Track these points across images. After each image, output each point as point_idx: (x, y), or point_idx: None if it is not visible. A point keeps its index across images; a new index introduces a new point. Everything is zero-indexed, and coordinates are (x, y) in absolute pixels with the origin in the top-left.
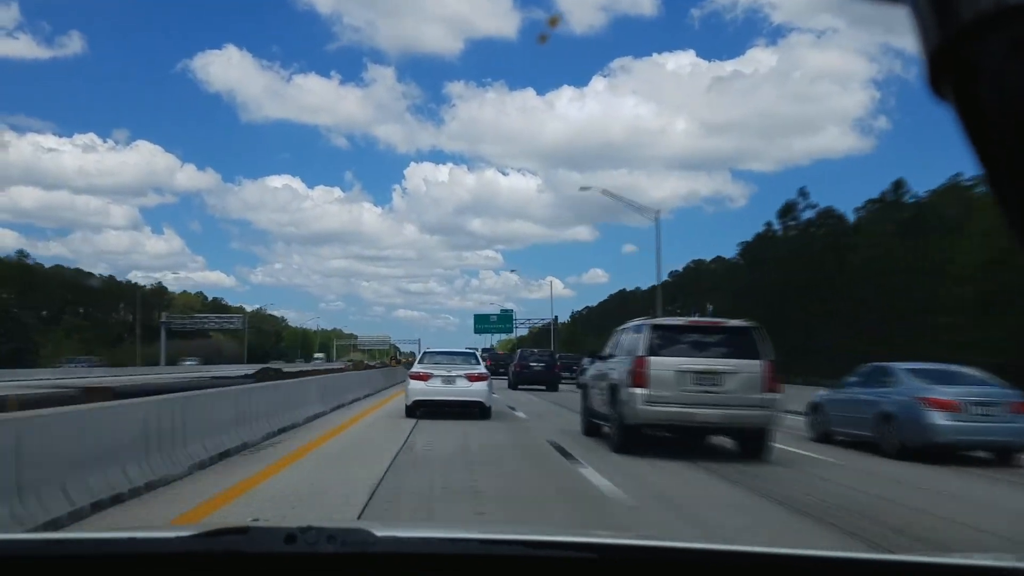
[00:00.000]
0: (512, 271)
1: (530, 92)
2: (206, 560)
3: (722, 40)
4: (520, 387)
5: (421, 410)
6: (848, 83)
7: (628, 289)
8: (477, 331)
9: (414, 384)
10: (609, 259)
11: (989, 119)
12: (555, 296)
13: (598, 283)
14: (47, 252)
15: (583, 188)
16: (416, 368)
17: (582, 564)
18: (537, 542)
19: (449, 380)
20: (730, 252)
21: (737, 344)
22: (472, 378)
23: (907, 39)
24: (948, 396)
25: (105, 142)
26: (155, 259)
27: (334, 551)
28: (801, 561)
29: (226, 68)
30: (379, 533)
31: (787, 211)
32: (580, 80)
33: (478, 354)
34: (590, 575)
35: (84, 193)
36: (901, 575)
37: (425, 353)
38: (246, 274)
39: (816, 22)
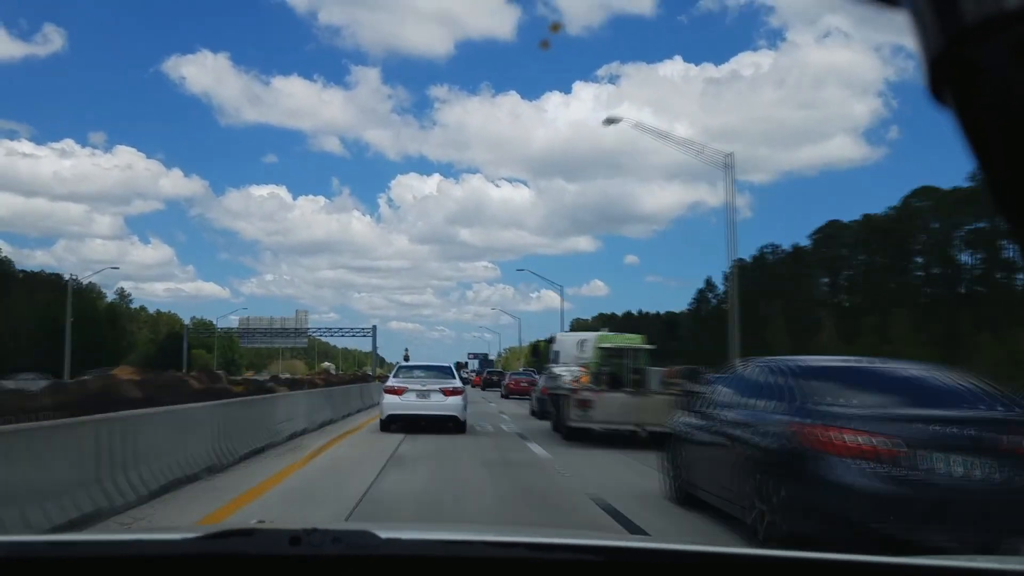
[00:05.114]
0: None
1: (516, 97)
2: (211, 562)
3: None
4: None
5: (395, 425)
6: (857, 88)
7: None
8: None
9: (388, 399)
10: (610, 271)
11: (990, 123)
12: (552, 309)
13: (597, 296)
14: (32, 261)
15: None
16: (391, 382)
17: (586, 567)
18: (541, 544)
19: (424, 394)
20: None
21: None
22: (447, 392)
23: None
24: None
25: (84, 147)
26: (143, 269)
27: (339, 553)
28: (800, 563)
29: (203, 71)
30: (384, 535)
31: None
32: (568, 87)
33: (453, 368)
34: None
35: (64, 200)
36: None
37: (400, 367)
38: (238, 285)
39: (822, 24)
